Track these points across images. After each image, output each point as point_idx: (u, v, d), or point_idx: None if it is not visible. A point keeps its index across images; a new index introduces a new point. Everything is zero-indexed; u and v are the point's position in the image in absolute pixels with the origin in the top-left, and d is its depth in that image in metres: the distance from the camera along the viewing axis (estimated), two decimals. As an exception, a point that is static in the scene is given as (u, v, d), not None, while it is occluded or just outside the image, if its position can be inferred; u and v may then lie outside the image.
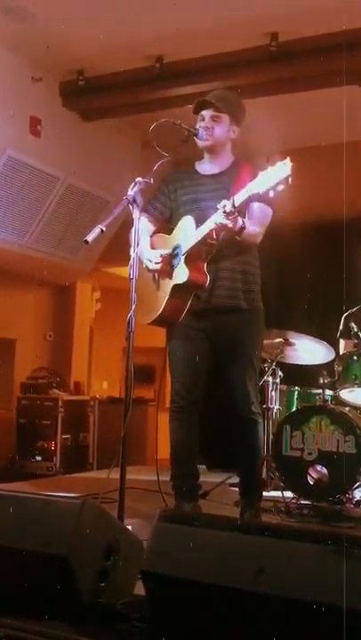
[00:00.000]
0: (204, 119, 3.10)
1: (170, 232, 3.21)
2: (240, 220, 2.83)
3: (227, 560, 1.62)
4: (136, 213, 2.76)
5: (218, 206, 2.77)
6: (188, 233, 2.99)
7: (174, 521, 1.76)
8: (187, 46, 4.60)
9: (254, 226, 2.96)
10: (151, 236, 3.23)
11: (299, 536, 1.63)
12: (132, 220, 2.78)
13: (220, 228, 2.81)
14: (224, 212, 2.73)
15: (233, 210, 2.73)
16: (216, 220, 2.79)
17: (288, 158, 2.61)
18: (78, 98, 5.24)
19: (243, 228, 2.85)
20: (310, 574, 1.53)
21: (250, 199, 2.76)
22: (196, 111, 3.14)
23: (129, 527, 2.35)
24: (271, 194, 2.64)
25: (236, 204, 2.73)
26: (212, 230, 2.83)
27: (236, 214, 2.76)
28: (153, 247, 3.16)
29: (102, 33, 4.51)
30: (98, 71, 5.01)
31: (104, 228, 2.59)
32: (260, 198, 2.77)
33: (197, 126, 3.09)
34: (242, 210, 2.85)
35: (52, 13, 4.28)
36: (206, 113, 3.10)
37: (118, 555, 1.90)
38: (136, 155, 5.76)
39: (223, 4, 4.10)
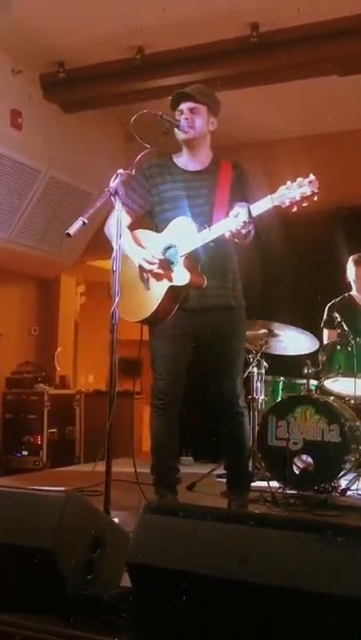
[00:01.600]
0: (182, 112, 3.08)
1: (149, 226, 3.19)
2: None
3: (212, 550, 1.63)
4: (118, 205, 2.75)
5: (231, 214, 2.79)
6: (187, 235, 2.98)
7: (159, 512, 1.76)
8: (168, 38, 4.59)
9: (252, 230, 2.97)
10: (130, 230, 3.19)
11: (283, 525, 1.64)
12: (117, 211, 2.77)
13: (233, 235, 2.82)
14: (244, 222, 2.74)
15: (250, 221, 2.75)
16: (231, 228, 2.80)
17: (312, 175, 2.63)
18: (59, 90, 5.22)
19: (249, 234, 2.88)
20: (295, 563, 1.54)
21: (266, 211, 2.76)
22: (174, 106, 3.11)
23: (115, 519, 2.35)
24: (295, 209, 2.65)
25: (254, 215, 2.74)
26: (222, 235, 2.85)
27: (252, 224, 2.78)
28: (138, 244, 3.13)
29: (82, 24, 4.49)
30: (78, 63, 4.98)
31: (86, 221, 2.57)
32: (281, 212, 2.75)
33: (181, 118, 3.08)
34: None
35: (31, 5, 4.25)
36: (185, 105, 3.08)
37: (104, 547, 1.90)
38: (118, 146, 5.74)
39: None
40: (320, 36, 4.38)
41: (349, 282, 4.63)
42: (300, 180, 2.64)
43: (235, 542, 1.62)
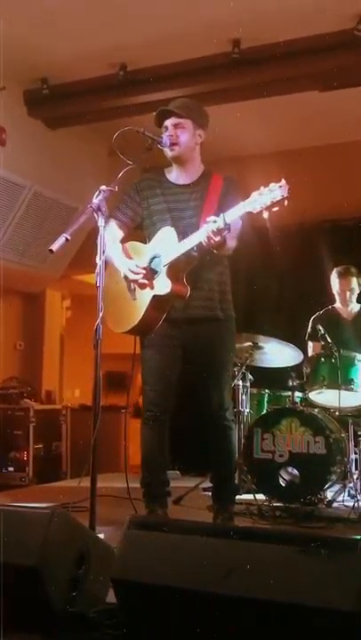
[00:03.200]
0: (167, 129, 3.10)
1: (140, 239, 3.21)
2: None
3: (197, 564, 1.63)
4: (101, 221, 2.76)
5: (207, 221, 2.80)
6: (169, 244, 3.00)
7: (143, 527, 1.76)
8: (150, 54, 4.63)
9: (231, 239, 2.98)
10: (122, 243, 3.22)
11: (267, 538, 1.65)
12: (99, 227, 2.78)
13: (209, 242, 2.83)
14: (217, 228, 2.76)
15: (224, 227, 2.76)
16: (205, 234, 2.81)
17: (283, 180, 2.66)
18: (43, 106, 5.24)
19: (224, 242, 2.88)
20: (280, 576, 1.55)
21: (241, 217, 2.79)
22: (159, 123, 3.13)
23: (101, 535, 2.34)
24: (266, 215, 2.68)
25: (227, 221, 2.76)
26: (199, 244, 2.87)
27: (226, 231, 2.79)
28: (127, 255, 3.15)
29: (66, 41, 4.52)
30: (62, 79, 5.01)
31: (69, 237, 2.59)
32: (253, 218, 2.79)
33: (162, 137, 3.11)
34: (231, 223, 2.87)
35: (15, 22, 4.27)
36: (169, 122, 3.10)
37: (89, 563, 1.90)
38: (102, 162, 5.76)
39: (186, 11, 4.14)
40: (301, 53, 4.44)
41: (333, 294, 4.67)
42: (271, 184, 2.67)
43: (220, 556, 1.63)
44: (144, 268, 3.04)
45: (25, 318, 7.18)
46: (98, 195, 2.74)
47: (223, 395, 3.16)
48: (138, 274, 3.03)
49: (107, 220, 2.84)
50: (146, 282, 3.03)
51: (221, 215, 2.77)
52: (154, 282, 3.03)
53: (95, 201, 2.73)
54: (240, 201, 2.80)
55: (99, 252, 2.75)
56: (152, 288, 3.03)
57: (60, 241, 2.57)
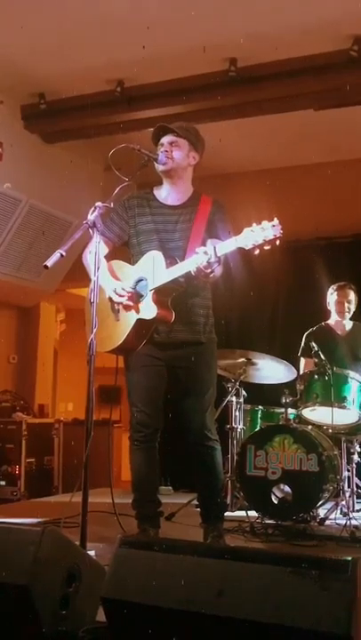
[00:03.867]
0: (163, 145, 3.13)
1: (126, 256, 3.22)
2: (220, 270, 2.92)
3: (187, 584, 1.62)
4: (96, 237, 2.77)
5: (197, 252, 2.82)
6: (157, 270, 3.01)
7: (134, 546, 1.76)
8: (147, 71, 4.66)
9: (220, 268, 3.00)
10: (106, 259, 3.22)
11: (258, 558, 1.64)
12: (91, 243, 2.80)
13: (198, 273, 2.85)
14: (208, 261, 2.78)
15: (215, 260, 2.79)
16: (195, 265, 2.83)
17: (276, 220, 2.68)
18: (40, 121, 5.27)
19: (212, 272, 2.90)
20: (270, 596, 1.54)
21: (232, 252, 2.80)
22: (155, 139, 3.16)
23: (92, 552, 2.34)
24: (257, 252, 2.70)
25: (219, 254, 2.78)
26: (187, 273, 2.89)
27: (216, 264, 2.81)
28: (112, 274, 3.16)
29: (64, 57, 4.55)
30: (59, 94, 5.03)
31: (64, 253, 2.60)
32: (245, 254, 2.80)
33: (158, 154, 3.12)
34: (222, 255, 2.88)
35: (12, 37, 4.30)
36: (165, 139, 3.13)
37: (80, 581, 1.88)
38: (98, 177, 5.79)
39: (183, 29, 4.17)
40: (297, 72, 4.48)
41: (328, 311, 4.69)
42: (264, 223, 2.69)
43: (210, 576, 1.62)
44: (129, 292, 3.05)
45: (19, 331, 7.18)
46: (93, 211, 2.76)
47: (205, 415, 3.16)
48: (122, 296, 3.05)
49: (100, 235, 2.85)
50: (131, 304, 3.05)
51: (212, 247, 2.80)
52: (139, 305, 3.04)
53: (90, 217, 2.75)
54: (228, 227, 2.84)
55: (93, 267, 2.76)
56: (137, 311, 3.05)
57: (55, 257, 2.58)
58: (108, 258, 3.22)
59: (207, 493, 3.27)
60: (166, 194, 3.22)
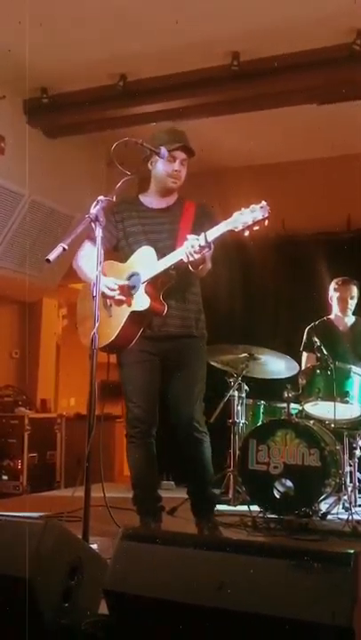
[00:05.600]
0: (174, 160, 3.14)
1: (118, 259, 3.24)
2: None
3: (189, 577, 1.63)
4: (99, 231, 2.77)
5: (188, 238, 2.85)
6: (148, 262, 3.05)
7: (136, 539, 1.76)
8: (150, 65, 4.65)
9: (210, 260, 3.05)
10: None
11: (260, 551, 1.64)
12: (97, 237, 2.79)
13: (189, 260, 2.88)
14: (199, 246, 2.82)
15: (205, 245, 2.82)
16: (185, 251, 2.86)
17: (264, 202, 2.73)
18: (42, 115, 5.25)
19: (204, 261, 2.96)
20: (272, 589, 1.54)
21: (222, 236, 2.83)
22: (168, 145, 3.11)
23: (94, 546, 2.34)
24: (246, 233, 2.73)
25: (210, 239, 2.81)
26: (179, 261, 2.92)
27: (206, 250, 2.85)
28: (104, 274, 3.17)
29: (66, 51, 4.54)
30: (62, 89, 5.03)
31: (66, 247, 2.59)
32: (235, 236, 2.83)
33: (171, 169, 3.14)
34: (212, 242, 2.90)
35: (15, 31, 4.29)
36: (181, 156, 3.15)
37: (82, 574, 1.89)
38: (100, 171, 5.78)
39: (186, 24, 4.16)
40: (300, 66, 4.47)
41: (330, 305, 4.68)
42: (252, 205, 2.74)
43: (212, 569, 1.62)
44: (121, 285, 3.07)
45: (21, 327, 7.18)
46: (96, 205, 2.75)
47: (193, 407, 3.18)
48: (114, 290, 3.06)
49: (86, 240, 2.87)
50: (123, 298, 3.07)
51: (203, 233, 2.83)
52: (132, 299, 3.06)
53: (93, 211, 2.74)
54: (216, 224, 2.85)
55: (96, 262, 2.76)
56: (129, 305, 3.06)
57: (58, 250, 2.57)
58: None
59: (195, 486, 3.29)
60: (152, 199, 3.28)
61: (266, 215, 2.71)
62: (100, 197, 2.77)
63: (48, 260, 2.57)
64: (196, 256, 2.85)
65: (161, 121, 4.85)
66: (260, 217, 2.71)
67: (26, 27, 4.25)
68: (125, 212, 3.26)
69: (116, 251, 3.30)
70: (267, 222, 2.73)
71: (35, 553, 1.77)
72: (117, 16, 4.12)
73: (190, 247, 2.85)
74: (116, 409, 6.57)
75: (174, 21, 4.17)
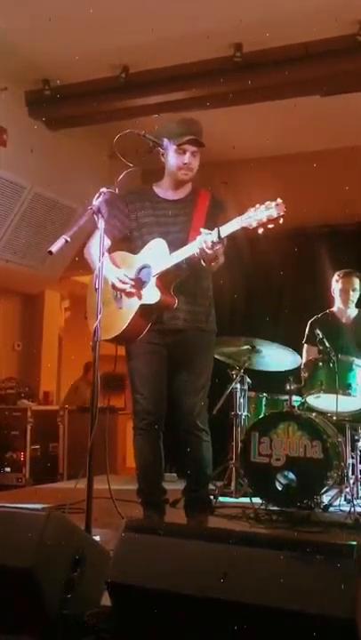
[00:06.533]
0: (185, 153, 3.07)
1: (130, 250, 3.22)
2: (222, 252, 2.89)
3: (192, 568, 1.63)
4: (101, 223, 2.76)
5: (203, 237, 2.81)
6: (160, 255, 3.00)
7: (140, 531, 1.76)
8: (152, 56, 4.64)
9: (221, 255, 2.98)
10: (109, 253, 3.20)
11: (263, 543, 1.64)
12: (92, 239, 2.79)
13: (199, 255, 2.84)
14: (211, 241, 2.77)
15: (218, 241, 2.77)
16: (198, 247, 2.82)
17: (279, 199, 2.66)
18: (44, 107, 5.24)
19: (216, 256, 2.89)
20: (274, 581, 1.55)
21: (234, 232, 2.78)
22: (178, 139, 3.05)
23: (96, 537, 2.34)
24: (260, 231, 2.68)
25: (223, 235, 2.77)
26: (191, 256, 2.87)
27: (220, 245, 2.80)
28: (115, 264, 3.15)
29: (68, 43, 4.53)
30: (63, 80, 5.01)
31: (68, 239, 2.58)
32: (248, 234, 2.78)
33: (181, 162, 3.08)
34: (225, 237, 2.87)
35: (16, 23, 4.28)
36: (191, 149, 3.08)
37: (85, 566, 1.89)
38: (102, 163, 5.76)
39: (188, 15, 4.14)
40: (303, 57, 4.45)
41: (332, 298, 4.67)
42: (267, 202, 2.67)
43: (215, 561, 1.62)
44: (132, 278, 3.05)
45: (23, 319, 7.19)
46: (98, 197, 2.74)
47: (196, 401, 3.12)
48: (126, 283, 3.04)
49: (97, 230, 2.85)
50: (133, 291, 3.04)
51: (216, 229, 2.78)
52: (142, 291, 3.03)
53: (95, 203, 2.73)
54: (226, 216, 2.81)
55: (99, 254, 2.76)
56: (140, 298, 3.04)
57: (60, 242, 2.57)
58: (110, 251, 3.21)
59: (190, 484, 3.21)
60: (166, 190, 3.22)
61: (281, 213, 2.63)
62: (103, 189, 2.76)
63: (50, 252, 2.57)
64: (209, 252, 2.81)
65: (163, 113, 4.84)
66: (275, 215, 2.64)
67: (27, 19, 4.25)
68: (138, 203, 3.21)
69: (128, 241, 3.25)
70: (282, 221, 2.65)
71: (38, 544, 1.77)
72: (120, 7, 4.11)
73: (203, 243, 2.80)
74: (119, 401, 6.60)
75: (176, 13, 4.15)
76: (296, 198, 5.77)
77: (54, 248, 2.56)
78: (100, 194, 2.75)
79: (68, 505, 2.98)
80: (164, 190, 3.22)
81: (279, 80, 4.65)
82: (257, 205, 2.69)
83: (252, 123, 5.41)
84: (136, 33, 4.34)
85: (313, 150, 5.87)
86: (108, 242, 3.16)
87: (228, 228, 2.77)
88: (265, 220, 2.65)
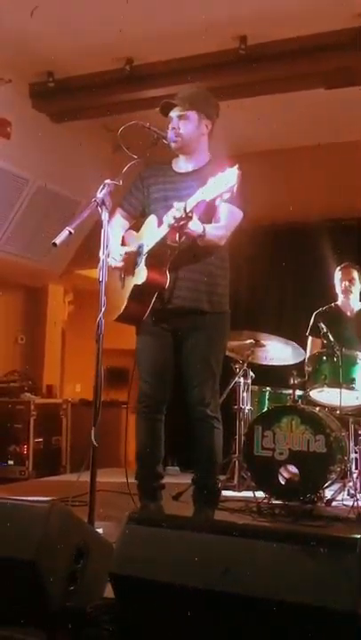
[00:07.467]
0: (172, 120, 3.07)
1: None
2: (198, 226, 2.80)
3: (195, 561, 1.63)
4: (105, 215, 2.74)
5: (169, 212, 2.76)
6: (150, 233, 2.96)
7: (143, 523, 1.76)
8: (156, 49, 4.61)
9: (219, 229, 2.93)
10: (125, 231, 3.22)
11: (266, 536, 1.64)
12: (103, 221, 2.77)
13: (176, 231, 2.78)
14: (175, 217, 2.71)
15: (184, 216, 2.70)
16: (169, 221, 2.77)
17: (237, 165, 2.58)
18: (48, 99, 5.22)
19: (202, 235, 2.82)
20: (277, 574, 1.54)
21: (199, 205, 2.71)
22: (165, 114, 3.10)
23: (99, 530, 2.35)
24: (218, 202, 2.64)
25: (188, 209, 2.70)
26: (170, 233, 2.80)
27: (186, 220, 2.72)
28: (123, 244, 3.14)
29: (72, 35, 4.51)
30: (68, 73, 4.99)
31: (72, 231, 2.57)
32: (208, 205, 2.71)
33: (171, 127, 3.06)
34: (209, 213, 2.83)
35: (21, 15, 4.26)
36: (173, 113, 3.06)
37: (87, 558, 1.89)
38: (106, 156, 5.75)
39: (193, 7, 4.12)
40: (308, 50, 4.42)
41: (336, 293, 4.67)
42: (227, 169, 2.59)
43: (218, 553, 1.62)
44: (127, 255, 3.01)
45: (27, 312, 7.19)
46: (102, 189, 2.73)
47: (203, 390, 3.04)
48: (119, 261, 3.03)
49: (113, 211, 2.82)
50: (123, 266, 3.03)
51: (183, 203, 2.71)
52: (135, 270, 3.00)
53: (99, 195, 2.72)
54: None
55: (102, 246, 2.75)
56: (134, 276, 3.02)
57: (64, 234, 2.56)
58: (129, 228, 3.23)
59: (199, 473, 3.17)
60: (181, 163, 3.17)
61: (234, 181, 2.55)
62: (107, 181, 2.75)
63: (54, 244, 2.56)
64: (176, 225, 2.72)
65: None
66: (231, 183, 2.55)
67: (31, 11, 4.23)
68: (152, 178, 3.17)
69: (143, 217, 3.20)
70: (235, 189, 2.57)
71: (41, 536, 1.77)
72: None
73: (170, 217, 2.73)
74: (123, 395, 6.60)
75: (181, 5, 4.13)
76: (300, 192, 5.79)
77: (58, 240, 2.56)
78: (104, 186, 2.74)
79: (71, 498, 2.98)
80: (178, 163, 3.18)
81: (284, 73, 4.63)
82: (218, 174, 2.61)
83: (252, 116, 5.37)
84: (140, 25, 4.31)
85: (315, 144, 5.84)
86: (127, 223, 3.22)
87: (192, 202, 2.69)
88: (221, 191, 2.58)
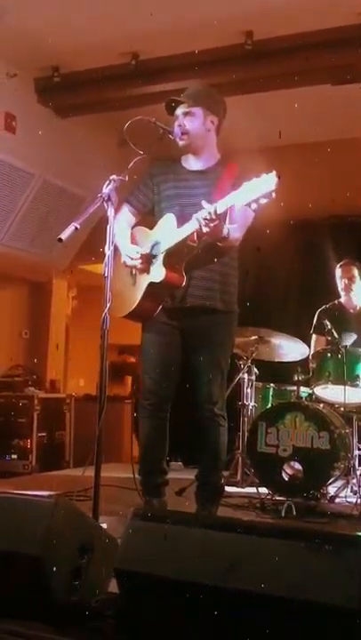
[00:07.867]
0: (178, 117, 3.07)
1: (152, 225, 3.18)
2: (225, 229, 2.82)
3: (199, 557, 1.63)
4: (111, 211, 2.73)
5: (198, 213, 2.74)
6: (168, 231, 2.95)
7: (147, 519, 1.76)
8: (162, 44, 4.60)
9: (236, 231, 2.92)
10: (132, 228, 3.20)
11: (270, 532, 1.64)
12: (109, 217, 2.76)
13: (201, 233, 2.78)
14: (204, 218, 2.71)
15: (214, 217, 2.70)
16: (196, 224, 2.77)
17: (274, 172, 2.57)
18: (54, 94, 5.21)
19: (226, 237, 2.83)
20: (282, 570, 1.55)
21: (230, 209, 2.72)
22: (170, 112, 3.09)
23: (104, 525, 2.35)
24: (254, 206, 2.62)
25: (219, 212, 2.70)
26: (192, 233, 2.81)
27: (217, 222, 2.73)
28: (133, 240, 3.13)
29: (78, 29, 4.50)
30: (73, 68, 4.98)
31: (78, 227, 2.56)
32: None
33: (176, 125, 3.07)
34: (224, 213, 2.83)
35: (27, 9, 4.25)
36: (179, 110, 3.06)
37: (92, 553, 1.90)
38: (112, 151, 5.74)
39: (199, 1, 4.11)
40: (314, 45, 4.40)
41: (339, 291, 4.66)
42: (263, 175, 2.58)
43: (222, 549, 1.62)
44: (143, 255, 3.00)
45: (31, 307, 7.19)
46: (108, 184, 2.72)
47: (212, 388, 3.05)
48: (135, 260, 3.01)
49: (119, 206, 2.81)
50: (142, 266, 3.00)
51: (213, 205, 2.71)
52: (151, 268, 2.99)
53: (105, 190, 2.71)
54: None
55: (107, 241, 2.74)
56: (148, 273, 3.00)
57: (70, 230, 2.55)
58: (136, 224, 3.21)
59: (203, 470, 3.18)
60: (191, 161, 3.16)
61: (273, 187, 2.53)
62: (113, 177, 2.74)
63: (60, 240, 2.55)
64: (206, 228, 2.72)
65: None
66: (269, 189, 2.54)
67: (36, 5, 4.22)
68: (162, 176, 3.15)
69: (153, 215, 3.19)
70: (274, 194, 2.55)
71: (45, 531, 1.78)
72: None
73: (200, 218, 2.73)
74: (125, 390, 6.61)
75: (187, 0, 4.11)
76: (304, 189, 5.77)
77: (64, 235, 2.55)
78: (110, 181, 2.73)
79: (76, 492, 2.98)
80: (188, 161, 3.16)
81: (290, 68, 4.61)
82: (253, 179, 2.60)
83: (258, 112, 5.36)
84: (146, 20, 4.29)
85: (321, 140, 5.82)
86: (133, 218, 3.20)
87: (223, 204, 2.69)
88: (257, 196, 2.57)
